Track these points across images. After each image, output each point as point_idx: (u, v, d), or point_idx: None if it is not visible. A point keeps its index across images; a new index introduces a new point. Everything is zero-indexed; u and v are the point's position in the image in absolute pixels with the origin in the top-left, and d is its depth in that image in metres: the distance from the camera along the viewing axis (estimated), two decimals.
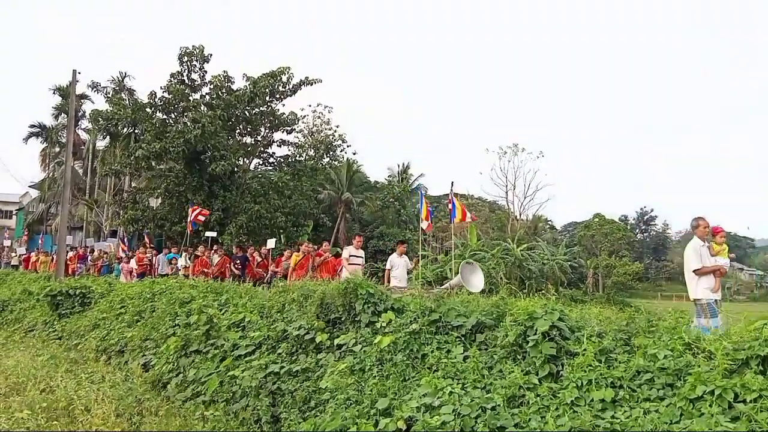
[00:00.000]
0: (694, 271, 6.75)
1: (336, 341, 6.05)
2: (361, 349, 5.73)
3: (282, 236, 26.15)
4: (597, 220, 53.57)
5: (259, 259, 15.27)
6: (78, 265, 21.85)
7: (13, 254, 28.43)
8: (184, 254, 16.98)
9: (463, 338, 5.30)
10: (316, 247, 12.81)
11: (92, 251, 23.82)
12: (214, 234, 18.46)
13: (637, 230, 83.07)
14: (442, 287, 10.23)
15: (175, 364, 7.54)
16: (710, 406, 3.47)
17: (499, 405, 4.21)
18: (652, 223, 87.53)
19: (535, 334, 4.57)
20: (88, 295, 12.71)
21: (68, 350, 10.33)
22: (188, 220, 18.74)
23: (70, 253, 22.93)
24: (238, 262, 14.89)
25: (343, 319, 6.36)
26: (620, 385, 4.02)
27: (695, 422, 3.39)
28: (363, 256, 11.87)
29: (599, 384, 4.05)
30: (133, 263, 17.98)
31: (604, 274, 49.05)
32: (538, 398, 4.19)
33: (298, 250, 12.67)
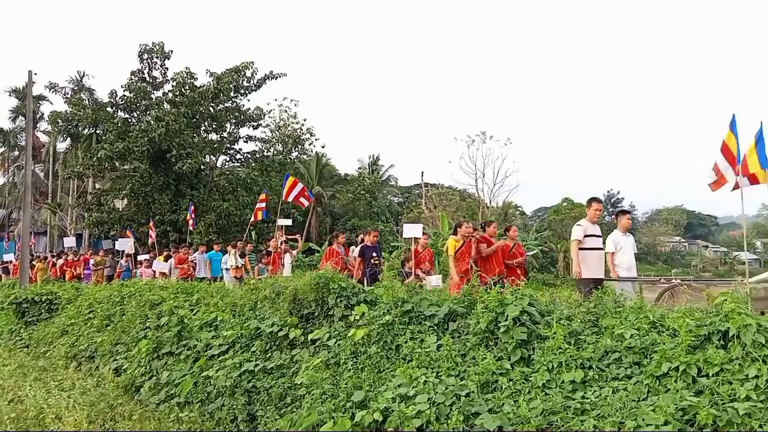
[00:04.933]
0: None
1: (310, 336, 6.03)
2: (335, 343, 5.73)
3: (253, 233, 25.99)
4: (565, 204, 54.19)
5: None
6: (85, 271, 19.01)
7: None
8: (233, 252, 14.29)
9: (436, 327, 5.33)
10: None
11: (92, 254, 20.23)
12: (288, 222, 15.18)
13: (605, 212, 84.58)
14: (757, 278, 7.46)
15: (148, 367, 7.43)
16: (675, 381, 3.58)
17: (473, 391, 4.26)
18: (620, 204, 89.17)
19: (506, 319, 4.63)
20: (55, 301, 12.43)
21: (36, 358, 10.08)
22: (285, 196, 13.91)
23: (70, 258, 20.49)
24: (375, 254, 10.94)
25: (316, 314, 6.35)
26: (589, 365, 4.10)
27: (661, 398, 3.49)
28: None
29: (569, 366, 4.13)
30: (156, 266, 15.36)
31: None
32: (511, 383, 4.25)
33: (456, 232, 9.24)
